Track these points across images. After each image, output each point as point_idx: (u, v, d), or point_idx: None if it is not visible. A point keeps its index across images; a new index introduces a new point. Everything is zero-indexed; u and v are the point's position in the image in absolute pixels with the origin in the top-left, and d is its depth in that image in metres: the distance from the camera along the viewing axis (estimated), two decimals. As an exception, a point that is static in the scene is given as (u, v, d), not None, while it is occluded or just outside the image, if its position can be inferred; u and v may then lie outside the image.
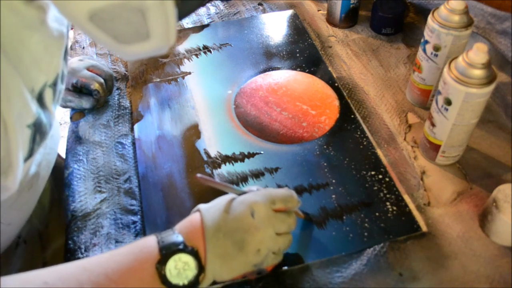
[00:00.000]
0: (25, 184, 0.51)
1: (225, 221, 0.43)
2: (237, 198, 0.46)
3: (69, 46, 0.49)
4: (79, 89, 0.67)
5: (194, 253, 0.41)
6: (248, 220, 0.44)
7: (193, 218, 0.45)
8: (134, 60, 0.76)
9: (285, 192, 0.47)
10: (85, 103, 0.67)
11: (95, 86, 0.67)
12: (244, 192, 0.47)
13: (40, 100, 0.42)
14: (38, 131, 0.42)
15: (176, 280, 0.40)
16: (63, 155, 0.75)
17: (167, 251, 0.41)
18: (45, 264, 0.66)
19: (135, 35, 0.36)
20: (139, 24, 0.35)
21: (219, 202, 0.46)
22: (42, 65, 0.41)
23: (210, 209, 0.45)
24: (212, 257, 0.42)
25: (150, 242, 0.42)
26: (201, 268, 0.41)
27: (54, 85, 0.44)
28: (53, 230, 0.69)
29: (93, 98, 0.68)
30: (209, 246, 0.42)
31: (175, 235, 0.42)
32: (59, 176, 0.72)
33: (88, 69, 0.68)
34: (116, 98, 0.72)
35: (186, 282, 0.40)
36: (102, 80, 0.68)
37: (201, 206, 0.46)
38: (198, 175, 0.44)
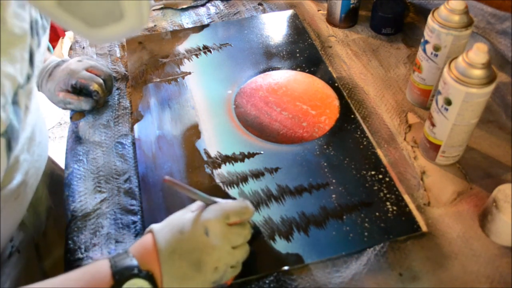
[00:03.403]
0: (11, 193, 0.50)
1: (180, 242, 0.42)
2: (190, 217, 0.45)
3: (45, 44, 0.48)
4: (78, 90, 0.67)
5: (149, 277, 0.40)
6: (202, 240, 0.43)
7: (146, 240, 0.44)
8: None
9: (239, 205, 0.46)
10: (85, 104, 0.67)
11: (94, 87, 0.67)
12: (214, 201, 0.46)
13: (15, 103, 0.40)
14: (12, 137, 0.41)
15: None
16: (58, 160, 0.75)
17: (120, 277, 0.39)
18: (44, 273, 0.65)
19: (107, 16, 0.34)
20: (110, 4, 0.33)
21: (172, 221, 0.45)
22: (6, 65, 0.39)
23: (163, 230, 0.44)
24: (169, 280, 0.41)
25: (102, 267, 0.40)
26: None
27: (25, 85, 0.43)
28: (51, 239, 0.68)
29: (92, 99, 0.67)
30: (165, 268, 0.41)
31: (129, 259, 0.41)
32: (55, 182, 0.72)
33: (87, 70, 0.68)
34: (116, 98, 0.72)
35: None
36: (101, 81, 0.68)
37: (154, 227, 0.44)
38: (166, 177, 0.42)
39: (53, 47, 1.95)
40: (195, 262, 0.42)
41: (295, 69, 0.75)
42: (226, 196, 0.57)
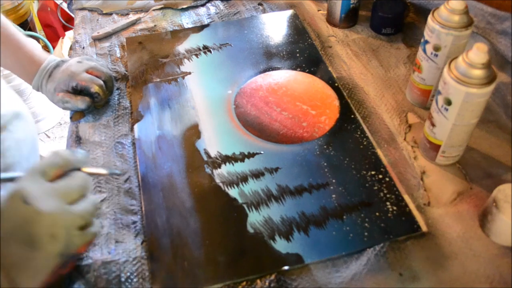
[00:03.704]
0: None
1: None
2: (1, 194, 0.39)
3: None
4: (79, 92, 0.67)
5: None
6: (23, 210, 0.36)
7: None
8: None
9: (51, 156, 0.40)
10: (81, 103, 0.67)
11: (95, 88, 0.67)
12: (13, 178, 0.40)
13: None
14: None
15: None
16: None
17: None
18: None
19: None
20: None
21: None
22: None
23: None
24: (8, 272, 0.35)
25: None
26: None
27: None
28: None
29: (88, 99, 0.67)
30: None
31: None
32: None
33: (87, 71, 0.68)
34: (116, 98, 0.72)
35: None
36: (101, 82, 0.68)
37: None
38: None
39: (53, 47, 1.95)
40: (25, 238, 0.36)
41: (295, 69, 0.75)
42: (226, 196, 0.57)
